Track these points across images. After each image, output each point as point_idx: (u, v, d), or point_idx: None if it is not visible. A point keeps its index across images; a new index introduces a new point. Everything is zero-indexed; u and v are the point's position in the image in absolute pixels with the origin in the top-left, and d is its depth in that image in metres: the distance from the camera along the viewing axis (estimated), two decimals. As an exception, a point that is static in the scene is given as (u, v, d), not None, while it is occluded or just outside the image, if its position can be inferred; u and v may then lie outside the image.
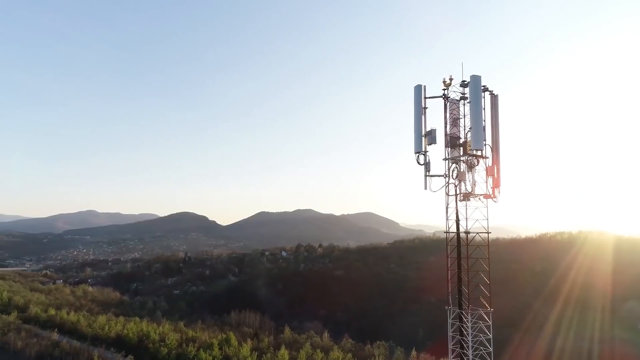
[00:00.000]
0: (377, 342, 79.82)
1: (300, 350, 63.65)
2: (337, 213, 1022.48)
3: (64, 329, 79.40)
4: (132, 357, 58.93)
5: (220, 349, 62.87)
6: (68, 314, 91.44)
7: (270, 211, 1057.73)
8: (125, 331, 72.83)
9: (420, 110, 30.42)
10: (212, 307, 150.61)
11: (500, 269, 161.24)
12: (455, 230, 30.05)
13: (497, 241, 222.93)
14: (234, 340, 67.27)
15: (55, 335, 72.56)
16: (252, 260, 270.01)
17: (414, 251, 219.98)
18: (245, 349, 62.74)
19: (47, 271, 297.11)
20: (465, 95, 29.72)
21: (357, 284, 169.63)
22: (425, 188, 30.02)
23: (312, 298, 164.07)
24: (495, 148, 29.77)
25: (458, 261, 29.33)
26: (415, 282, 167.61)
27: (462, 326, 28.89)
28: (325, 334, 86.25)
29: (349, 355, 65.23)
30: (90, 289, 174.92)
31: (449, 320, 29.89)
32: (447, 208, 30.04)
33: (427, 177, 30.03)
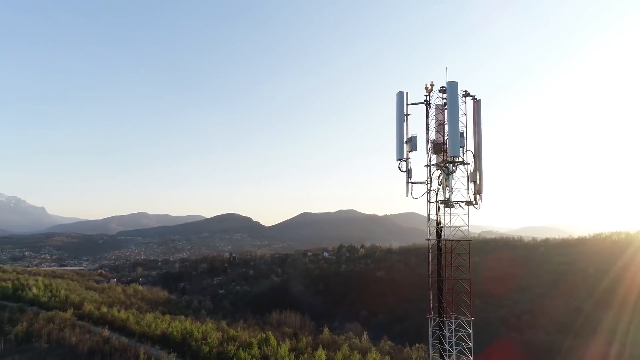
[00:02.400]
0: (417, 344, 78.54)
1: (338, 351, 63.71)
2: (380, 213, 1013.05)
3: (115, 326, 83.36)
4: (175, 354, 61.05)
5: (259, 348, 63.96)
6: (119, 311, 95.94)
7: (312, 212, 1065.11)
8: (170, 329, 75.52)
9: (402, 117, 30.02)
10: (254, 307, 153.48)
11: (549, 270, 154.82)
12: (444, 238, 29.43)
13: (547, 242, 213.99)
14: (272, 340, 68.21)
15: (106, 332, 76.36)
16: (295, 260, 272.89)
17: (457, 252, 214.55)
18: (284, 348, 63.52)
19: (102, 270, 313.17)
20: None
21: (399, 285, 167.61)
22: (407, 195, 29.62)
23: (353, 299, 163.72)
24: (477, 154, 29.06)
25: (438, 269, 28.90)
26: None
27: (442, 335, 28.52)
28: (365, 336, 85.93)
29: (387, 357, 64.72)
30: (140, 287, 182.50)
31: (430, 328, 29.46)
32: (428, 215, 29.49)
33: (409, 184, 29.64)
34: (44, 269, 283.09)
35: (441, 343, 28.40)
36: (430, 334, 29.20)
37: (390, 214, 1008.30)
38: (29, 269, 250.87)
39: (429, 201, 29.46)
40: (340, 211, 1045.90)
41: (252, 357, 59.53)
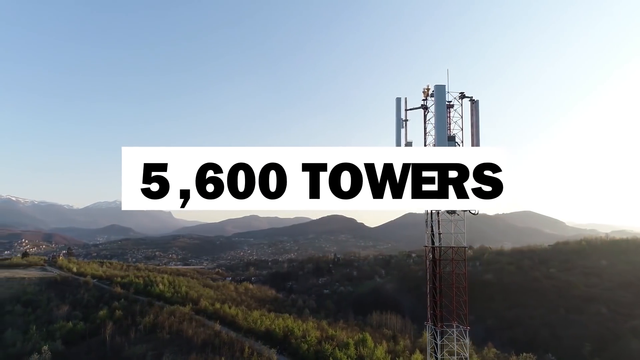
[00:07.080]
0: (524, 353, 72.93)
1: (435, 356, 61.83)
2: (491, 212, 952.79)
3: (225, 321, 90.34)
4: (275, 350, 64.35)
5: (356, 349, 64.71)
6: (229, 308, 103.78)
7: (417, 212, 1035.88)
8: (273, 326, 79.81)
9: (400, 123, 29.92)
10: (357, 308, 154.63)
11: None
12: (446, 245, 29.93)
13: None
14: (370, 341, 68.48)
15: (217, 326, 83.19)
16: (398, 262, 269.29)
17: (580, 254, 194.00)
18: (380, 350, 63.50)
19: (219, 269, 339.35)
20: (451, 103, 28.24)
21: (510, 289, 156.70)
22: None
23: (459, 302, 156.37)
24: None
25: (432, 276, 28.07)
26: (581, 289, 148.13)
27: (436, 344, 27.39)
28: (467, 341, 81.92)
29: (489, 365, 61.11)
30: (251, 286, 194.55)
31: (427, 336, 29.31)
32: (426, 222, 30.01)
33: None
34: (170, 267, 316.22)
35: (435, 352, 27.95)
36: (428, 342, 28.93)
37: (503, 213, 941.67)
38: (158, 267, 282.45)
39: None
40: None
41: (348, 357, 60.48)
